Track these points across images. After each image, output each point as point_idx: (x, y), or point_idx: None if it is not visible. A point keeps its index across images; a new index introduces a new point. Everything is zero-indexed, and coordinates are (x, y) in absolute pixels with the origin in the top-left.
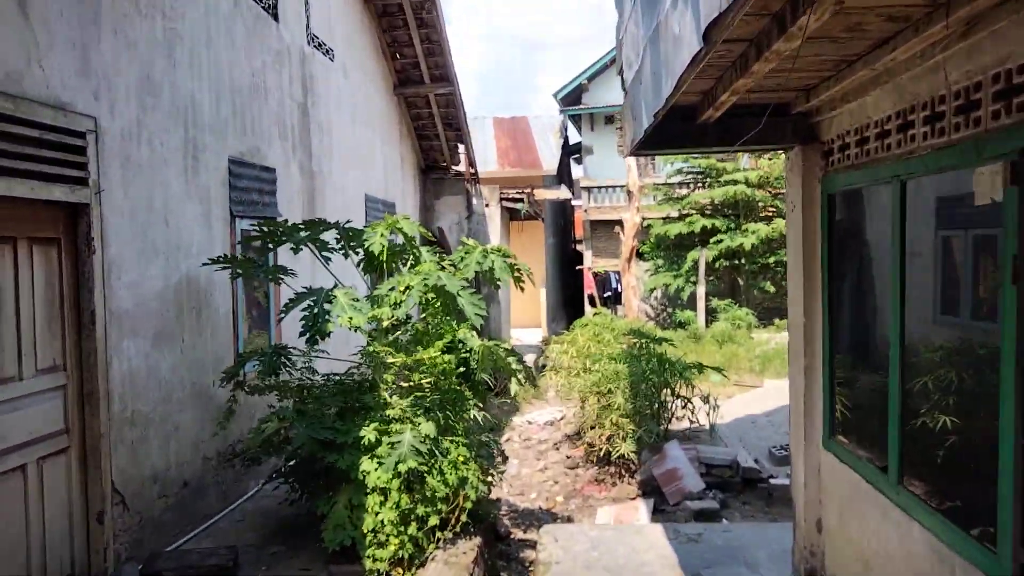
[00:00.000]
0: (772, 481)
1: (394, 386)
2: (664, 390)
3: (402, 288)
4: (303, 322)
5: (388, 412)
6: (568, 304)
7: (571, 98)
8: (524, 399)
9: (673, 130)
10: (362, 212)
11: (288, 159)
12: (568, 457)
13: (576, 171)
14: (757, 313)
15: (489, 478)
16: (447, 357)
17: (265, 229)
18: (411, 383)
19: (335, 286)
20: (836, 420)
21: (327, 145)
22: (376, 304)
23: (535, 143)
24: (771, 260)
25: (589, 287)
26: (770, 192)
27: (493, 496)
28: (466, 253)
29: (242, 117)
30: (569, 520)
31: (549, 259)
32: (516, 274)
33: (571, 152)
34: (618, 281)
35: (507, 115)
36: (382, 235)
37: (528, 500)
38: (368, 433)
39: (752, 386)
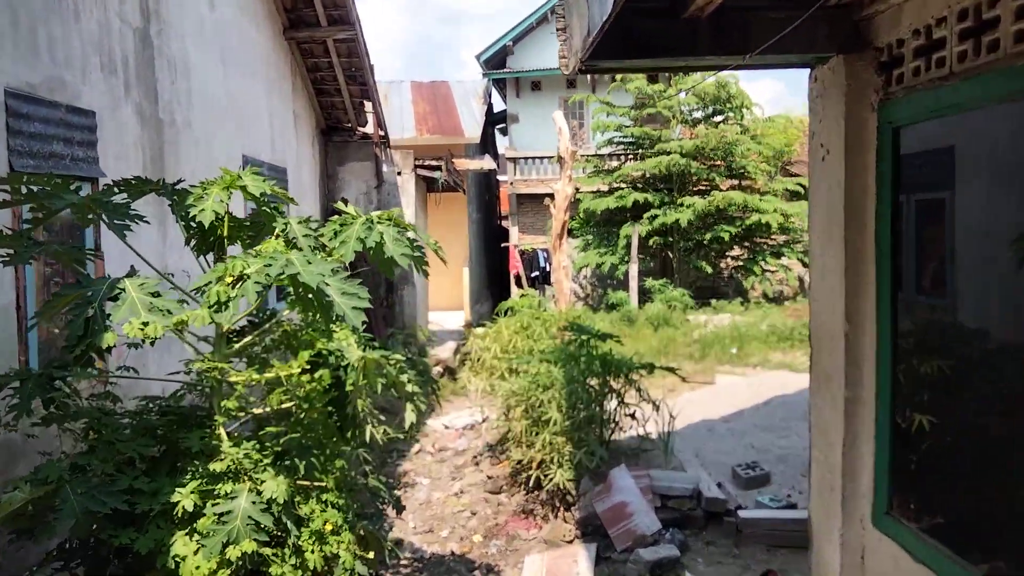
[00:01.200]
0: (741, 514)
1: (241, 416)
2: (608, 398)
3: (230, 278)
4: (68, 332)
5: (214, 466)
6: (494, 284)
7: (495, 61)
8: (442, 396)
9: (645, 31)
10: None
11: (118, 101)
12: (489, 478)
13: (502, 143)
14: (692, 293)
15: (372, 553)
16: (317, 374)
17: (32, 188)
18: (268, 410)
19: (130, 274)
20: (901, 485)
21: (183, 89)
22: (203, 300)
23: (456, 109)
24: (707, 237)
25: (515, 267)
26: (705, 164)
27: (395, 534)
28: (342, 225)
29: (31, 32)
30: (490, 572)
31: (473, 235)
32: (417, 253)
33: (496, 122)
34: (547, 260)
35: (427, 79)
36: (219, 199)
37: (439, 540)
38: (184, 498)
39: (704, 383)
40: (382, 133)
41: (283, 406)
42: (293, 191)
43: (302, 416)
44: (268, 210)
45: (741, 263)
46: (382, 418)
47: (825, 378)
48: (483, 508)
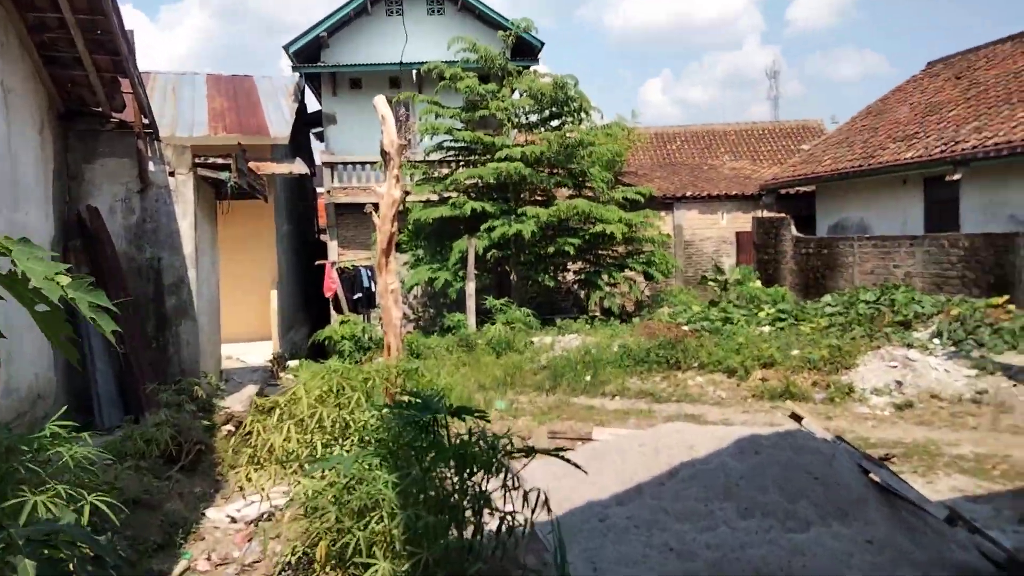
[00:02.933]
0: None
1: None
2: (466, 512)
3: None
4: None
5: None
6: (312, 307)
7: (307, 54)
8: (230, 468)
9: None
10: None
11: None
12: None
13: (319, 148)
14: (533, 311)
15: None
16: None
17: None
18: None
19: None
20: None
21: None
22: None
23: (262, 106)
24: (550, 250)
25: (331, 288)
26: (545, 170)
27: None
28: None
29: None
30: None
31: (283, 251)
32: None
33: (313, 124)
34: (371, 278)
35: (227, 72)
36: None
37: None
38: None
39: (580, 439)
40: (146, 121)
41: None
42: None
43: None
44: None
45: (583, 277)
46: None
47: None
48: None
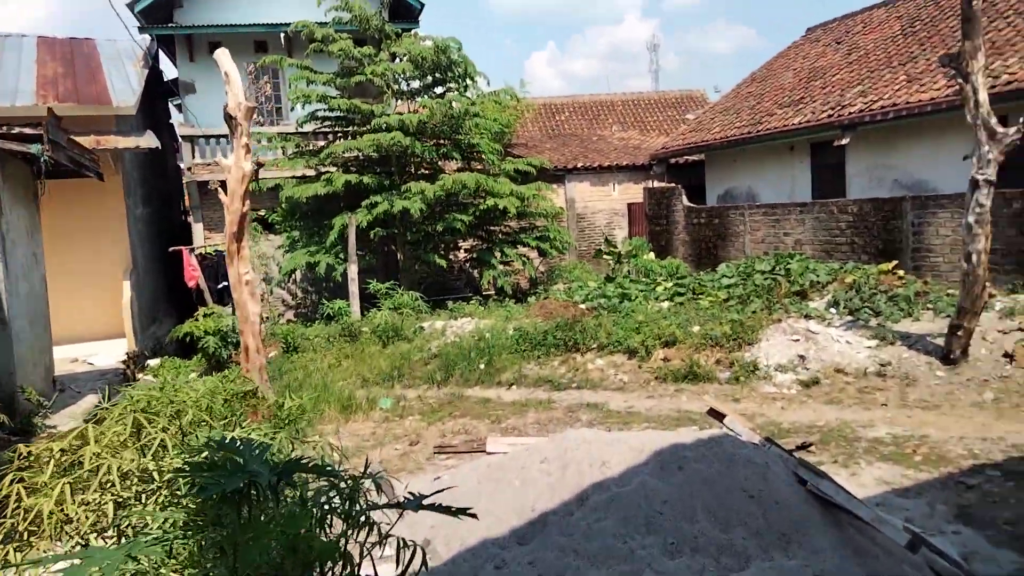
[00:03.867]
0: None
1: None
2: None
3: None
4: None
5: None
6: (179, 298)
7: (159, 14)
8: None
9: None
10: None
11: None
12: None
13: (178, 119)
14: (422, 293)
15: None
16: None
17: None
18: None
19: None
20: None
21: None
22: None
23: (104, 72)
24: (439, 227)
25: (192, 276)
26: (430, 142)
27: None
28: None
29: None
30: None
31: (138, 237)
32: None
33: (171, 93)
34: None
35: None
36: None
37: None
38: None
39: (472, 451)
40: None
41: None
42: None
43: None
44: None
45: (475, 255)
46: None
47: None
48: None
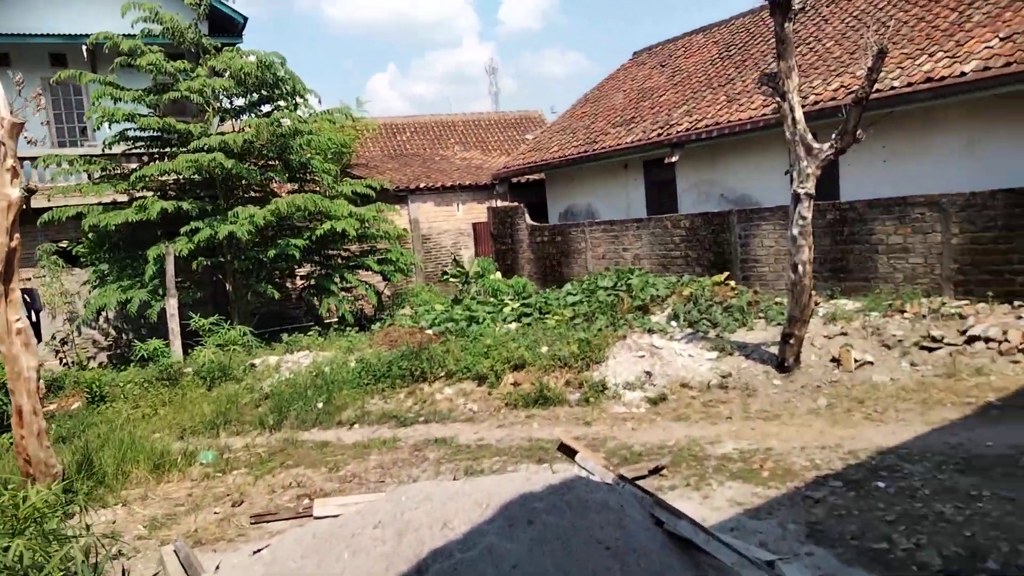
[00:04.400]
0: None
1: None
2: None
3: None
4: None
5: None
6: None
7: None
8: None
9: None
10: None
11: None
12: None
13: None
14: (255, 326)
15: None
16: None
17: None
18: None
19: None
20: None
21: None
22: None
23: None
24: (270, 254)
25: None
26: (258, 163)
27: None
28: None
29: None
30: None
31: None
32: None
33: None
34: (33, 302)
35: None
36: None
37: None
38: None
39: (294, 518)
40: None
41: None
42: None
43: None
44: None
45: (313, 282)
46: None
47: None
48: None
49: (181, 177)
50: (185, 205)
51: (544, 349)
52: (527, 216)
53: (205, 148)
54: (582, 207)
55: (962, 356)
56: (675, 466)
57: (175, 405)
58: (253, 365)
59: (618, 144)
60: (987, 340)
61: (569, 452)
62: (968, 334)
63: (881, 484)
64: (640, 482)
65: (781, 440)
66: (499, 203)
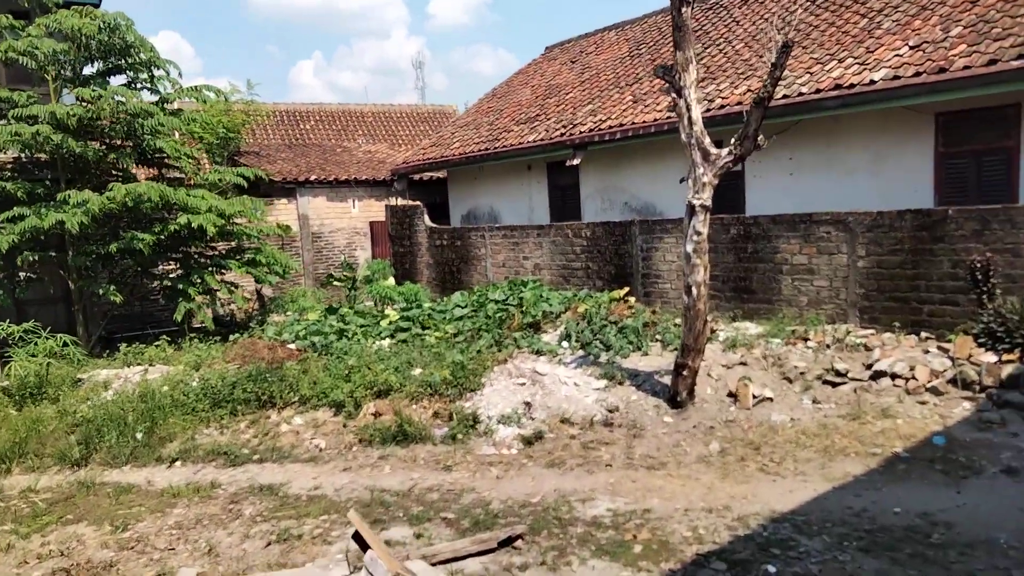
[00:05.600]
0: None
1: None
2: None
3: None
4: None
5: None
6: None
7: None
8: None
9: None
10: None
11: None
12: None
13: None
14: (109, 330)
15: None
16: None
17: None
18: None
19: None
20: None
21: None
22: None
23: None
24: (113, 248)
25: None
26: (103, 144)
27: None
28: None
29: None
30: None
31: None
32: None
33: None
34: None
35: None
36: None
37: None
38: None
39: None
40: None
41: None
42: None
43: None
44: None
45: (169, 283)
46: None
47: None
48: None
49: (18, 155)
50: (9, 186)
51: (417, 372)
52: (426, 217)
53: (27, 118)
54: (485, 210)
55: (867, 393)
56: (534, 533)
57: None
58: (80, 380)
59: (520, 143)
60: (893, 376)
61: (362, 544)
62: (874, 368)
63: (771, 569)
64: (487, 557)
65: (663, 498)
66: (399, 201)
